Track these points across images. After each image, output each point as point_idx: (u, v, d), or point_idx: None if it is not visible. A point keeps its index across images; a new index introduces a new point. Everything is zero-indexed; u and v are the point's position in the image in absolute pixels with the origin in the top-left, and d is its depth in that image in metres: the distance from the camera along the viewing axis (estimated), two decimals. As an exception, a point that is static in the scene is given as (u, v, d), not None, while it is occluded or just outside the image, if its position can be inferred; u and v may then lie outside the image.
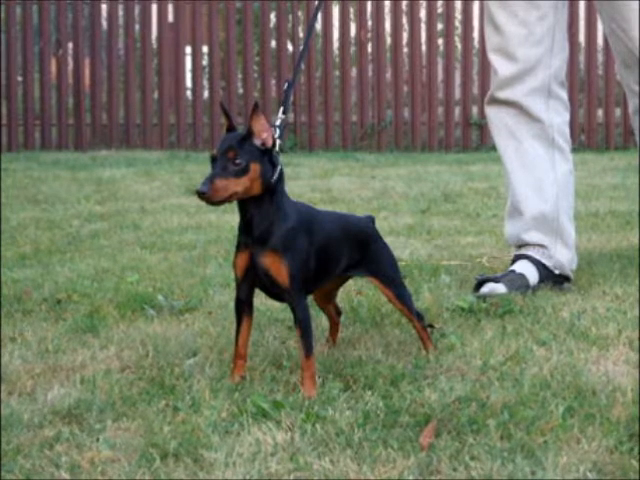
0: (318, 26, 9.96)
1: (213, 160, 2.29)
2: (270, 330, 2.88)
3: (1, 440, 2.02)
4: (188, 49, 10.18)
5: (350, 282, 2.93)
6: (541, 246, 3.54)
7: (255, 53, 10.21)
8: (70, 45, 10.10)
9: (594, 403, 2.18)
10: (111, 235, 4.79)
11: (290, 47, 10.26)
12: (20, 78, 10.03)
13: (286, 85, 2.58)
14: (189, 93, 10.29)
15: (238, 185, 2.27)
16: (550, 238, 3.54)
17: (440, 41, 10.18)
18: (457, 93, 10.28)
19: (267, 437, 2.03)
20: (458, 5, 10.31)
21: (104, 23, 10.11)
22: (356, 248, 2.54)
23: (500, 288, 3.32)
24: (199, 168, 7.81)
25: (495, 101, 3.59)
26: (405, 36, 10.21)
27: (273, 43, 10.20)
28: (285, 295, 2.37)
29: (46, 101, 10.02)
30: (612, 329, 2.81)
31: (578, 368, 2.45)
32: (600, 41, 9.90)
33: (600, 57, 10.05)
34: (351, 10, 10.18)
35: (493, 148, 6.75)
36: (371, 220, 2.64)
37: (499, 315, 3.02)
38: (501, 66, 3.53)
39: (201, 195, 2.24)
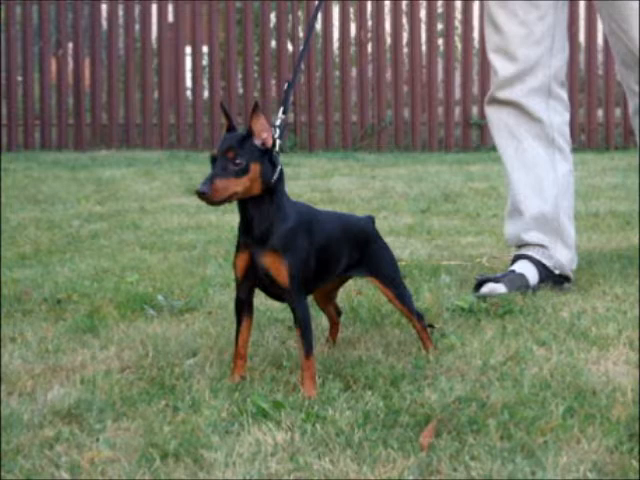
0: (318, 26, 9.96)
1: (213, 160, 2.29)
2: (270, 330, 2.88)
3: (1, 440, 2.02)
4: (188, 49, 10.18)
5: (350, 282, 2.93)
6: (541, 246, 3.54)
7: (255, 53, 10.21)
8: (70, 45, 10.10)
9: (594, 403, 2.18)
10: (111, 235, 4.79)
11: (290, 47, 10.26)
12: (20, 78, 10.02)
13: (286, 85, 2.58)
14: (189, 93, 10.29)
15: (238, 185, 2.27)
16: (550, 238, 3.54)
17: (440, 41, 10.17)
18: (457, 93, 10.28)
19: (267, 437, 2.03)
20: (458, 5, 10.30)
21: (104, 23, 10.11)
22: (356, 248, 2.54)
23: (500, 288, 3.32)
24: (199, 168, 7.81)
25: (495, 101, 3.60)
26: (405, 36, 10.21)
27: (273, 43, 10.20)
28: (285, 295, 2.37)
29: (46, 101, 10.02)
30: (612, 329, 2.81)
31: (578, 368, 2.45)
32: (600, 41, 9.90)
33: (600, 57, 10.04)
34: (351, 10, 10.18)
35: (493, 148, 6.76)
36: (371, 220, 2.64)
37: (499, 315, 3.02)
38: (501, 66, 3.53)
39: (201, 195, 2.24)
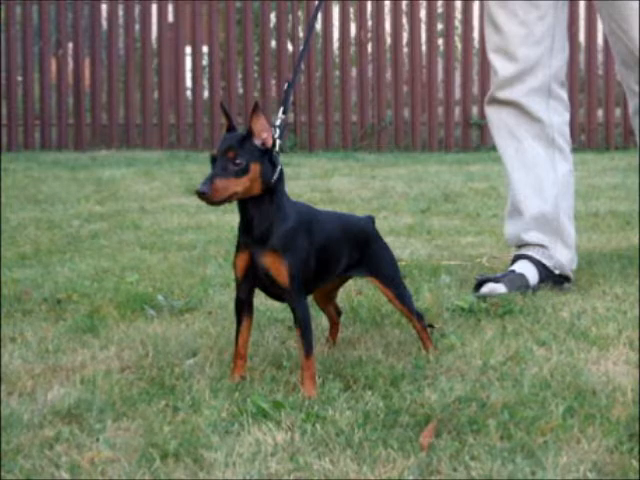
0: (318, 26, 9.96)
1: (213, 160, 2.29)
2: (270, 330, 2.88)
3: (1, 440, 2.02)
4: (188, 49, 10.18)
5: (350, 282, 2.93)
6: (541, 246, 3.54)
7: (255, 53, 10.20)
8: (70, 45, 10.10)
9: (594, 403, 2.18)
10: (111, 235, 4.79)
11: (290, 47, 10.26)
12: (20, 78, 10.02)
13: (286, 85, 2.58)
14: (189, 93, 10.29)
15: (238, 185, 2.27)
16: (550, 238, 3.54)
17: (440, 41, 10.17)
18: (457, 93, 10.28)
19: (267, 437, 2.03)
20: (458, 5, 10.30)
21: (104, 23, 10.11)
22: (356, 248, 2.54)
23: (500, 288, 3.32)
24: (199, 168, 7.81)
25: (495, 101, 3.60)
26: (405, 36, 10.21)
27: (273, 43, 10.20)
28: (285, 295, 2.37)
29: (46, 101, 10.01)
30: (612, 329, 2.81)
31: (578, 368, 2.45)
32: (600, 41, 9.90)
33: (600, 57, 10.04)
34: (351, 10, 10.18)
35: (493, 148, 6.76)
36: (371, 220, 2.64)
37: (499, 315, 3.02)
38: (501, 66, 3.53)
39: (201, 195, 2.24)
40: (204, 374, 2.46)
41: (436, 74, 10.12)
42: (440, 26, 10.16)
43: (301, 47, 9.70)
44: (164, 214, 5.51)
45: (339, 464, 1.90)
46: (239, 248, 2.38)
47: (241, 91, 10.12)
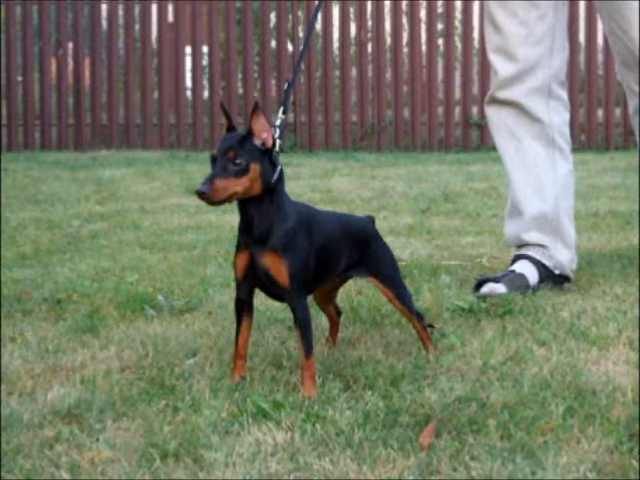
0: (318, 26, 9.96)
1: (213, 160, 2.29)
2: (270, 330, 2.88)
3: (1, 440, 2.02)
4: (188, 49, 10.18)
5: (350, 282, 2.93)
6: (541, 246, 3.54)
7: (255, 53, 10.21)
8: (70, 45, 10.10)
9: (594, 403, 2.18)
10: (111, 235, 4.79)
11: (290, 47, 10.26)
12: (20, 78, 10.02)
13: (286, 85, 2.58)
14: (189, 93, 10.29)
15: (238, 185, 2.27)
16: (550, 238, 3.54)
17: (440, 41, 10.18)
18: (457, 93, 10.28)
19: (267, 437, 2.02)
20: (458, 5, 10.31)
21: (104, 23, 10.11)
22: (356, 248, 2.54)
23: (500, 288, 3.32)
24: (199, 168, 7.81)
25: (495, 101, 3.60)
26: (405, 36, 10.21)
27: (273, 43, 10.20)
28: (285, 295, 2.37)
29: (46, 101, 10.01)
30: (612, 329, 2.81)
31: (578, 368, 2.45)
32: (600, 41, 9.90)
33: (600, 57, 10.04)
34: (351, 10, 10.18)
35: (493, 148, 6.76)
36: (371, 220, 2.64)
37: (499, 315, 3.02)
38: (501, 66, 3.53)
39: (201, 195, 2.24)
40: (204, 374, 2.46)
41: (436, 74, 10.12)
42: (440, 26, 10.17)
43: (301, 47, 9.70)
44: (164, 214, 5.51)
45: (339, 464, 1.90)
46: (239, 248, 2.38)
47: (241, 91, 10.13)
